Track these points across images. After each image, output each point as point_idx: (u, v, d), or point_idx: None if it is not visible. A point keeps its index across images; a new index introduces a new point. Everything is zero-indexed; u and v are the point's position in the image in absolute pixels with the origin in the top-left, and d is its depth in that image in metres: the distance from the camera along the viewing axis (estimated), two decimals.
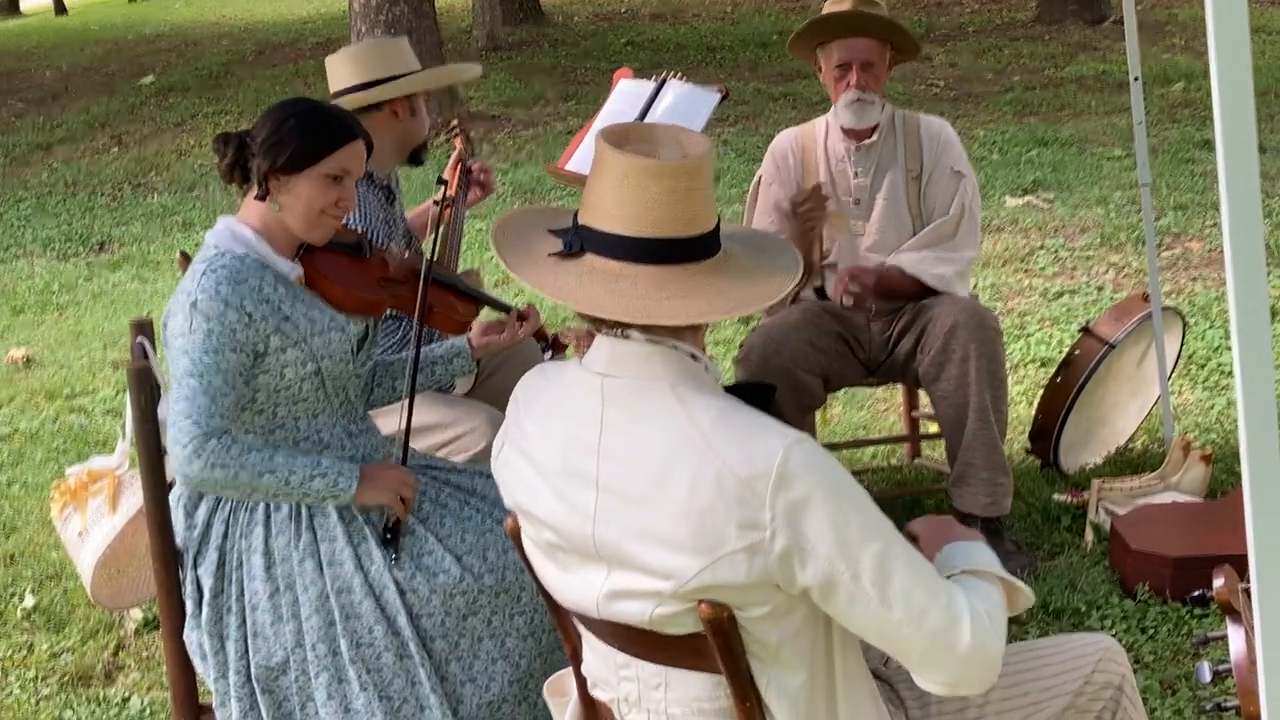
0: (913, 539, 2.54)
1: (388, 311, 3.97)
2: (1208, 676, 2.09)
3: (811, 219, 4.42)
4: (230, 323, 3.11)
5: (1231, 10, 1.60)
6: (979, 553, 2.42)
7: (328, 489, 3.18)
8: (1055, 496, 4.84)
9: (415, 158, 4.37)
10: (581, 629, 2.51)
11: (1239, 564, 1.74)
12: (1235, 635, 2.02)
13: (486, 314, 3.99)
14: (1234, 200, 1.63)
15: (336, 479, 3.19)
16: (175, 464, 3.10)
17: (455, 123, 4.67)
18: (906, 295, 4.55)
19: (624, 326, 2.29)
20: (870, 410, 5.90)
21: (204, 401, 3.08)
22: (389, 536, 3.28)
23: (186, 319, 3.12)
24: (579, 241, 2.30)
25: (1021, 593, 2.41)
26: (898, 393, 5.56)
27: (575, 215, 2.35)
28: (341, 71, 4.24)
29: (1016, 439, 5.26)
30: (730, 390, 2.35)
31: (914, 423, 5.31)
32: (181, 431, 3.07)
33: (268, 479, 3.13)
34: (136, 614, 4.51)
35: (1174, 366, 5.39)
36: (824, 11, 4.53)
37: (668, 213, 2.24)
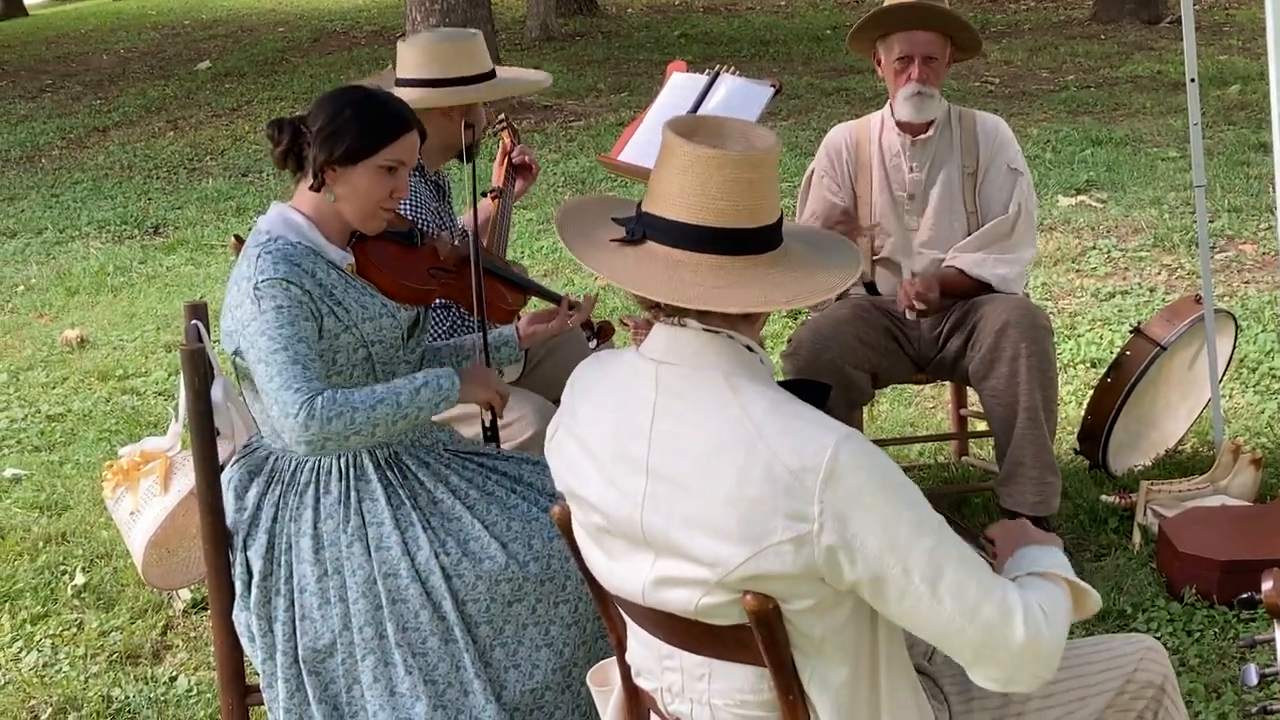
0: (990, 543, 2.55)
1: (438, 299, 4.00)
2: (1254, 679, 2.09)
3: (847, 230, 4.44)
4: (295, 295, 3.15)
5: None
6: (1048, 556, 2.42)
7: (436, 394, 3.24)
8: (1103, 498, 4.82)
9: (463, 155, 4.32)
10: (627, 618, 2.53)
11: None
12: None
13: (534, 304, 4.01)
14: None
15: (439, 382, 3.25)
16: (292, 438, 3.10)
17: (502, 116, 4.69)
18: (967, 294, 4.54)
19: (681, 314, 2.31)
20: (918, 407, 5.88)
21: (297, 370, 3.11)
22: (490, 432, 3.47)
23: (254, 302, 3.15)
24: (641, 228, 2.33)
25: (1090, 596, 2.40)
26: (946, 390, 5.54)
27: (639, 203, 2.37)
28: (410, 60, 4.19)
29: (1065, 439, 5.24)
30: (785, 386, 2.36)
31: (962, 420, 5.29)
32: (288, 404, 3.08)
33: (381, 409, 3.15)
34: (185, 594, 4.56)
35: (1225, 369, 5.36)
36: (886, 3, 4.51)
37: (731, 203, 2.25)
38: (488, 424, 3.53)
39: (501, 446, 3.78)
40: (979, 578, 2.20)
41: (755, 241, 2.29)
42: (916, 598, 2.17)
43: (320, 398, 3.08)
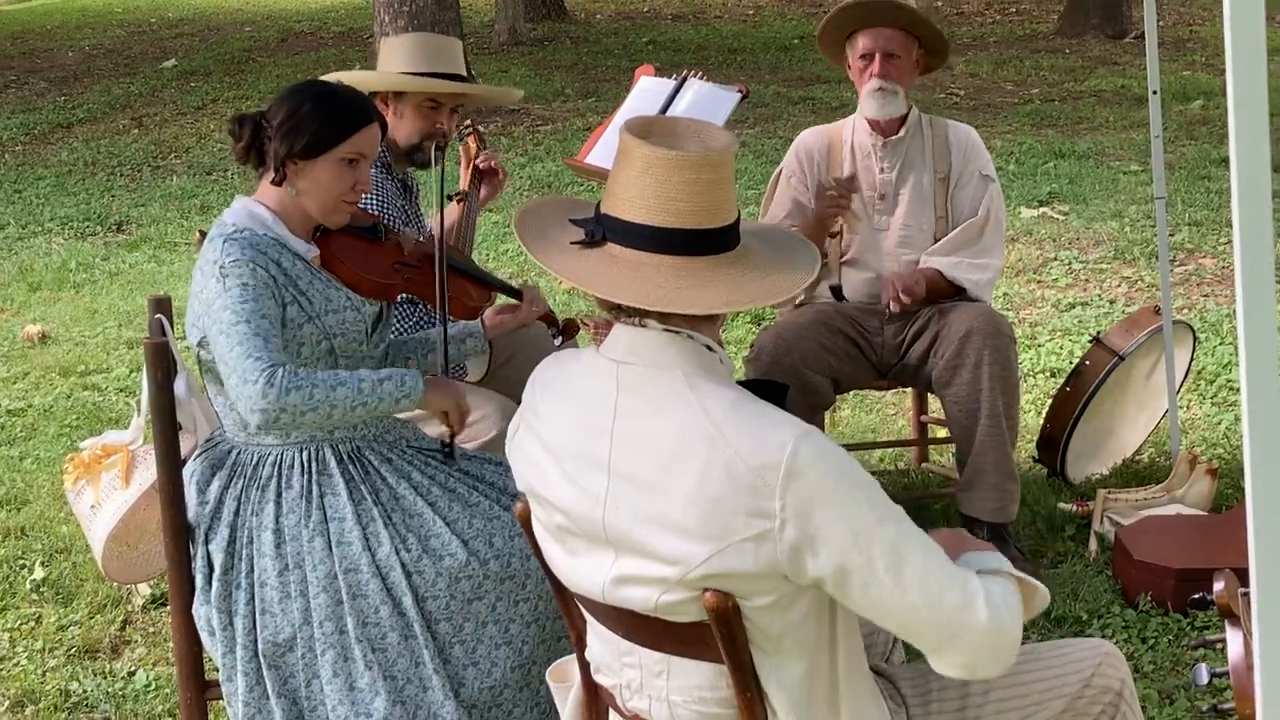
0: None
1: (403, 294, 4.01)
2: (1205, 679, 2.12)
3: (835, 207, 4.44)
4: (261, 277, 3.17)
5: (1249, 29, 1.62)
6: (993, 558, 2.45)
7: (399, 389, 3.24)
8: (1061, 505, 4.86)
9: (413, 158, 4.35)
10: (586, 615, 2.54)
11: (1242, 577, 1.76)
12: (1234, 639, 2.04)
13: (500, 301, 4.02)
14: (1246, 218, 1.65)
15: (403, 379, 3.25)
16: (246, 405, 3.09)
17: (468, 122, 4.71)
18: (941, 296, 4.58)
19: (642, 315, 2.32)
20: (879, 414, 5.92)
21: (258, 341, 3.11)
22: (448, 450, 3.44)
23: (219, 282, 3.16)
24: (601, 230, 2.34)
25: (1039, 592, 2.43)
26: (907, 397, 5.58)
27: (598, 205, 2.39)
28: (403, 51, 4.31)
29: (1024, 447, 5.28)
30: (744, 386, 2.38)
31: (922, 427, 5.33)
32: (248, 370, 3.07)
33: (342, 391, 3.15)
34: (145, 589, 4.55)
35: (1183, 381, 5.41)
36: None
37: (689, 204, 2.27)
38: (446, 440, 3.49)
39: (465, 446, 3.79)
40: (941, 566, 2.22)
41: (715, 241, 2.31)
42: (880, 587, 2.19)
43: (281, 369, 3.08)
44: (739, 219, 2.36)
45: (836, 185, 4.46)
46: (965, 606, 2.21)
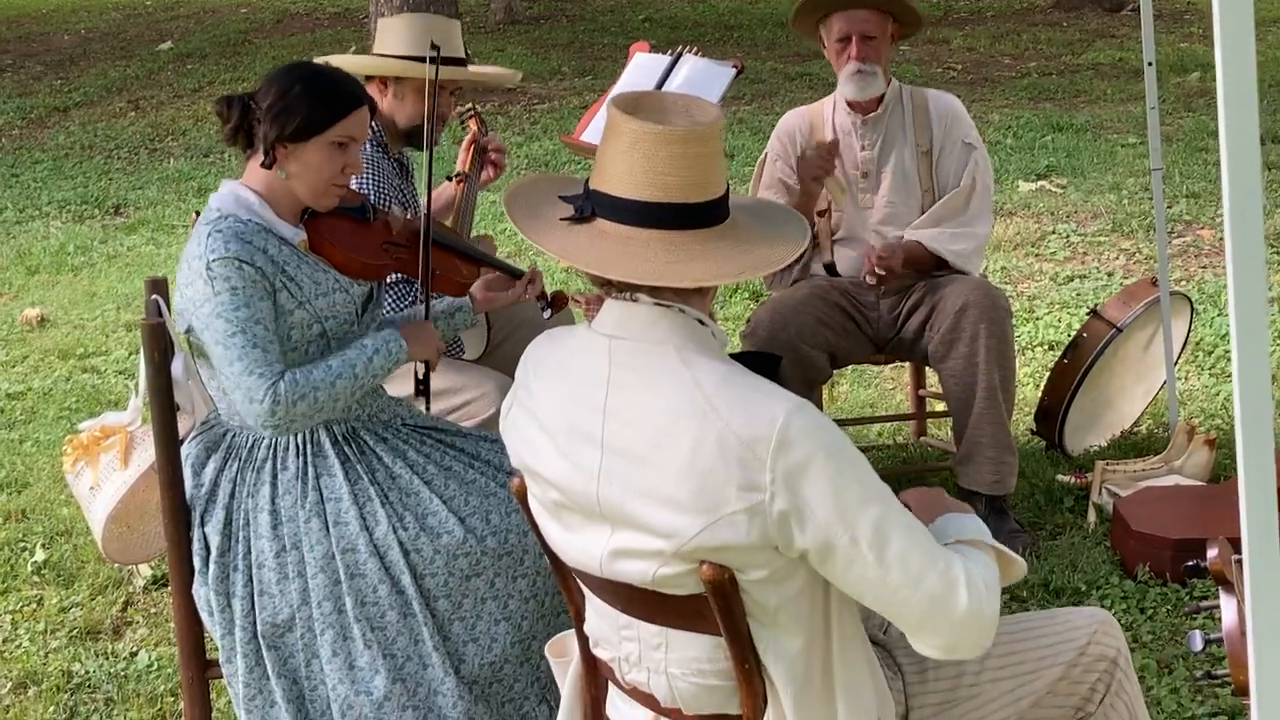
0: (906, 507, 2.57)
1: (395, 274, 4.00)
2: (1199, 645, 2.12)
3: (816, 171, 4.44)
4: (249, 275, 3.16)
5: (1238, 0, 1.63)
6: (972, 524, 2.46)
7: (388, 359, 3.31)
8: (1059, 477, 4.87)
9: (411, 139, 4.34)
10: (585, 589, 2.55)
11: (1239, 547, 1.76)
12: (1227, 606, 2.04)
13: None
14: (1235, 189, 1.65)
15: (388, 347, 3.31)
16: (256, 422, 3.16)
17: (470, 105, 4.71)
18: (926, 269, 4.57)
19: (632, 290, 2.32)
20: (877, 388, 5.92)
21: (258, 354, 3.13)
22: (422, 386, 3.56)
23: (207, 283, 3.15)
24: (590, 206, 2.34)
25: (1015, 563, 2.44)
26: (905, 371, 5.59)
27: (586, 181, 2.39)
28: (402, 33, 4.31)
29: (1022, 420, 5.29)
30: (736, 358, 2.38)
31: (920, 401, 5.34)
32: (252, 389, 3.12)
33: (341, 383, 3.21)
34: (145, 571, 4.56)
35: (1180, 352, 5.41)
36: None
37: (677, 178, 2.27)
38: (420, 376, 3.58)
39: (465, 424, 3.79)
40: (924, 548, 2.23)
41: (704, 215, 2.31)
42: (863, 565, 2.20)
43: (283, 382, 3.12)
44: (728, 192, 2.36)
45: (816, 149, 4.47)
46: (946, 591, 2.22)
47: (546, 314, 3.97)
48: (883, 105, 4.63)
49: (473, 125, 4.68)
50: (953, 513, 2.52)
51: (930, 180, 4.63)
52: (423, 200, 4.38)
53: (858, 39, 4.50)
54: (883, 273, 4.42)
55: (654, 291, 2.31)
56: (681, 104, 2.39)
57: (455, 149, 4.85)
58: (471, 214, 4.57)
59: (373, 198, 4.07)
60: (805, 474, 2.17)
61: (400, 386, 3.77)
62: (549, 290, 3.97)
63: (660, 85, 4.60)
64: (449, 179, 4.61)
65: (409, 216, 3.73)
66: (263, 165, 3.28)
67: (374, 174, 4.07)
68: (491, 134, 4.72)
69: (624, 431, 2.28)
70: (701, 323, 2.34)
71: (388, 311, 4.01)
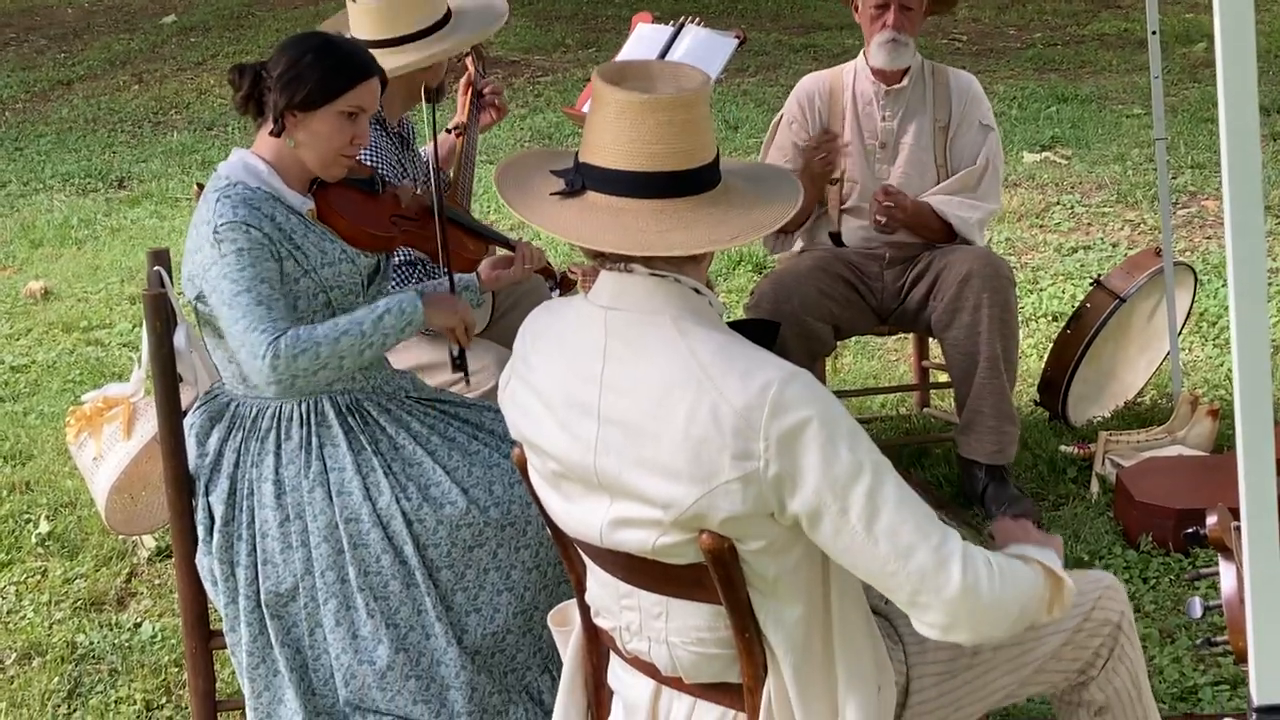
0: (991, 539, 2.57)
1: (403, 254, 3.99)
2: (1198, 612, 2.12)
3: (828, 164, 4.44)
4: (255, 238, 3.16)
5: None
6: (1040, 551, 2.43)
7: (400, 319, 3.24)
8: (1062, 448, 4.87)
9: (430, 95, 4.24)
10: (586, 559, 2.55)
11: (1239, 515, 1.77)
12: (1227, 572, 2.04)
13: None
14: (1235, 160, 1.65)
15: (402, 306, 3.25)
16: (261, 379, 3.13)
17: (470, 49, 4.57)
18: (931, 232, 4.56)
19: (627, 261, 2.32)
20: (881, 360, 5.92)
21: (261, 311, 3.12)
22: (459, 361, 3.50)
23: (214, 246, 3.16)
24: (580, 179, 2.34)
25: (1066, 588, 2.38)
26: (908, 343, 5.58)
27: (576, 154, 2.38)
28: (364, 22, 4.02)
29: (1026, 391, 5.29)
30: (735, 326, 2.38)
31: (924, 372, 5.34)
32: (255, 344, 3.10)
33: (345, 340, 3.17)
34: (150, 542, 4.57)
35: (1184, 322, 5.40)
36: None
37: (665, 146, 2.27)
38: (455, 353, 3.52)
39: (466, 395, 3.79)
40: (916, 521, 2.21)
41: (693, 182, 2.30)
42: (852, 536, 2.19)
43: (284, 337, 3.10)
44: (718, 157, 2.36)
45: (819, 143, 4.46)
46: (938, 566, 2.19)
47: (555, 293, 3.97)
48: (907, 77, 4.61)
49: (468, 65, 4.50)
50: (1034, 545, 2.47)
51: (944, 157, 4.63)
52: (423, 149, 4.32)
53: (896, 7, 4.48)
54: (892, 206, 4.40)
55: (648, 262, 2.31)
56: (667, 71, 2.39)
57: (455, 96, 4.62)
58: (473, 165, 4.48)
59: None
60: (798, 440, 2.17)
61: (433, 377, 3.76)
62: (557, 270, 3.95)
63: (662, 56, 4.59)
64: (448, 131, 4.51)
65: (418, 191, 3.72)
66: (272, 134, 3.29)
67: (374, 153, 4.00)
68: (490, 77, 4.55)
69: (620, 402, 2.28)
70: (698, 291, 2.34)
71: (394, 287, 4.00)
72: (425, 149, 4.29)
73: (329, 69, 3.25)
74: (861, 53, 4.67)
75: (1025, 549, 2.43)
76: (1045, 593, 2.34)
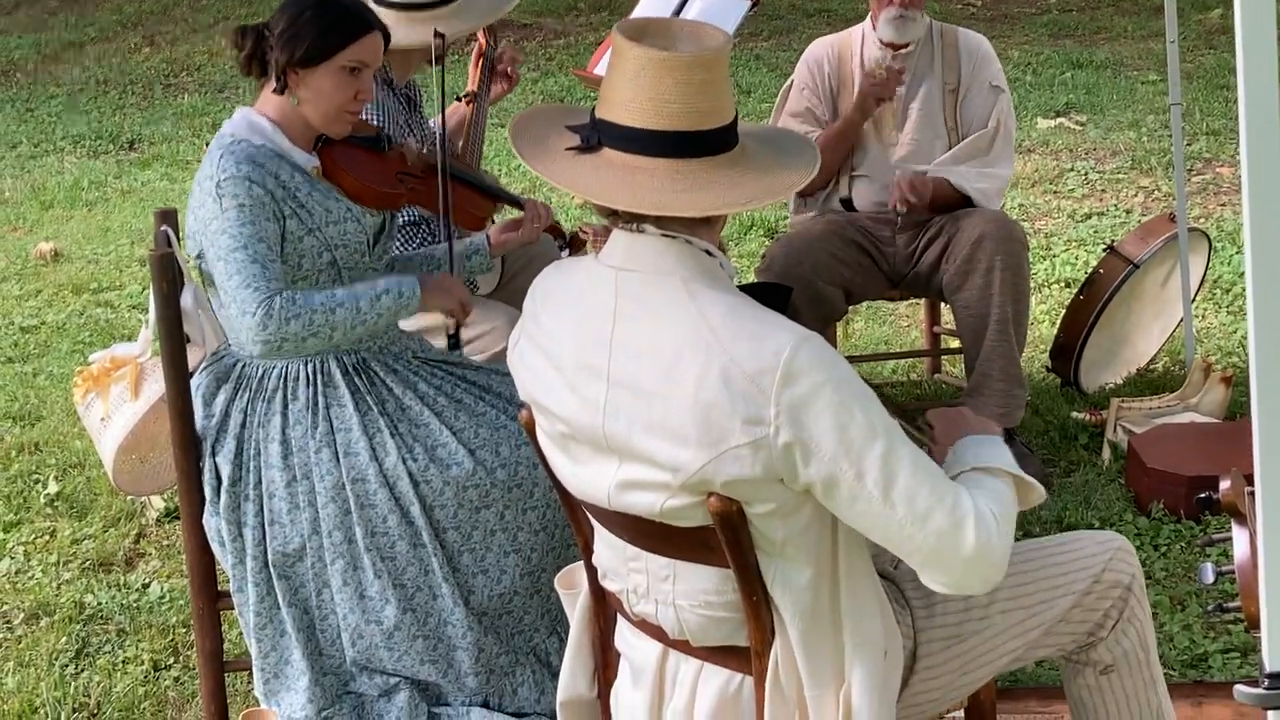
0: (929, 428, 2.55)
1: (409, 214, 3.96)
2: (1210, 578, 2.10)
3: (883, 93, 4.44)
4: (258, 195, 3.15)
5: None
6: (991, 448, 2.42)
7: (396, 302, 3.26)
8: (1074, 414, 4.85)
9: (432, 60, 4.17)
10: (593, 522, 2.54)
11: (1253, 480, 1.75)
12: (1240, 537, 2.02)
13: (508, 214, 3.99)
14: (1253, 125, 1.63)
15: (400, 289, 3.27)
16: (248, 336, 3.12)
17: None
18: (949, 204, 4.54)
19: (639, 220, 2.29)
20: (892, 325, 5.90)
21: (256, 269, 3.11)
22: (454, 340, 3.49)
23: (215, 201, 3.15)
24: (596, 136, 2.31)
25: (1034, 490, 2.41)
26: (920, 309, 5.56)
27: (593, 110, 2.35)
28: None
29: (1038, 357, 5.26)
30: (746, 289, 2.36)
31: (935, 338, 5.31)
32: (246, 301, 3.09)
33: (341, 312, 3.17)
34: (158, 503, 4.57)
35: (1198, 289, 5.37)
36: None
37: (684, 105, 2.24)
38: (451, 331, 3.53)
39: (475, 358, 3.78)
40: (932, 484, 2.20)
41: (711, 143, 2.27)
42: (868, 501, 2.18)
43: (279, 298, 3.09)
44: (736, 119, 2.33)
45: (887, 70, 4.43)
46: (954, 529, 2.19)
47: (564, 253, 3.94)
48: (915, 42, 4.58)
49: (481, 36, 4.44)
50: (974, 434, 2.49)
51: (955, 119, 4.60)
52: (432, 121, 4.29)
53: None
54: (913, 199, 4.38)
55: (660, 222, 2.28)
56: (688, 29, 2.36)
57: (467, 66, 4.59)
58: (482, 135, 4.46)
59: None
60: (810, 407, 2.15)
61: (438, 338, 3.74)
62: (568, 230, 3.93)
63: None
64: (459, 99, 4.48)
65: (424, 149, 3.69)
66: (275, 91, 3.27)
67: (380, 111, 3.96)
68: (504, 44, 4.52)
69: (630, 365, 2.26)
70: (709, 253, 2.31)
71: (398, 252, 3.98)
72: (434, 121, 4.25)
73: (328, 24, 3.24)
74: (869, 17, 4.64)
75: (976, 448, 2.42)
76: (1016, 500, 2.35)
